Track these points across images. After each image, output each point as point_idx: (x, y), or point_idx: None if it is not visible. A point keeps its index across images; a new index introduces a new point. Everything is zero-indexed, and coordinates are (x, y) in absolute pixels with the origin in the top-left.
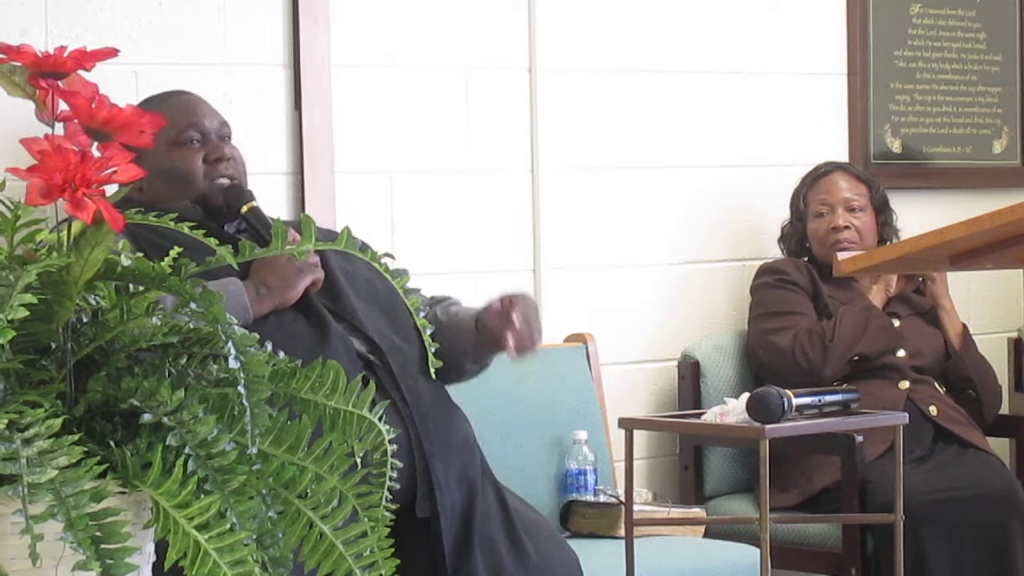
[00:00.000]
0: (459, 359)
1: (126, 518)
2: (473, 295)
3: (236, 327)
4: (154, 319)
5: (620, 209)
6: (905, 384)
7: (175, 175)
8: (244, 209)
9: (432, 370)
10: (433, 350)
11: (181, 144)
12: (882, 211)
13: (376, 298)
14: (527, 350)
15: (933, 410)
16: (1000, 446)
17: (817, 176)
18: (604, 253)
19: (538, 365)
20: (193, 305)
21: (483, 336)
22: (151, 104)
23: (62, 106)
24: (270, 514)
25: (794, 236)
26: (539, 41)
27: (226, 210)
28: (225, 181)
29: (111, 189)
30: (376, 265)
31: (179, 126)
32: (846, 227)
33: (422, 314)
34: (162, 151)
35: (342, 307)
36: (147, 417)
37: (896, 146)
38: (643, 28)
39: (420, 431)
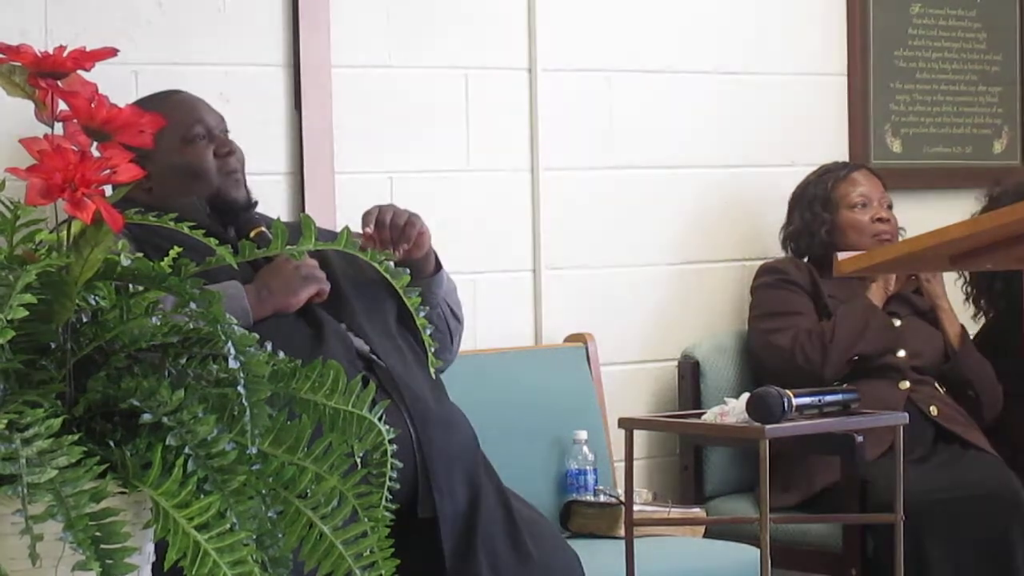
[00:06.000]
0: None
1: (126, 518)
2: (473, 295)
3: (236, 327)
4: (154, 319)
5: (620, 209)
6: (905, 384)
7: (190, 171)
8: (252, 234)
9: (432, 370)
10: (433, 350)
11: (191, 141)
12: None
13: (381, 300)
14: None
15: (933, 410)
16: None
17: (848, 170)
18: (604, 253)
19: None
20: (193, 305)
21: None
22: (150, 104)
23: (61, 106)
24: (270, 514)
25: (804, 233)
26: (539, 41)
27: (236, 206)
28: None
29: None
30: (376, 265)
31: (186, 123)
32: (888, 220)
33: (422, 313)
34: (174, 148)
35: (342, 312)
36: (147, 417)
37: (896, 146)
38: (643, 28)
39: (420, 434)
